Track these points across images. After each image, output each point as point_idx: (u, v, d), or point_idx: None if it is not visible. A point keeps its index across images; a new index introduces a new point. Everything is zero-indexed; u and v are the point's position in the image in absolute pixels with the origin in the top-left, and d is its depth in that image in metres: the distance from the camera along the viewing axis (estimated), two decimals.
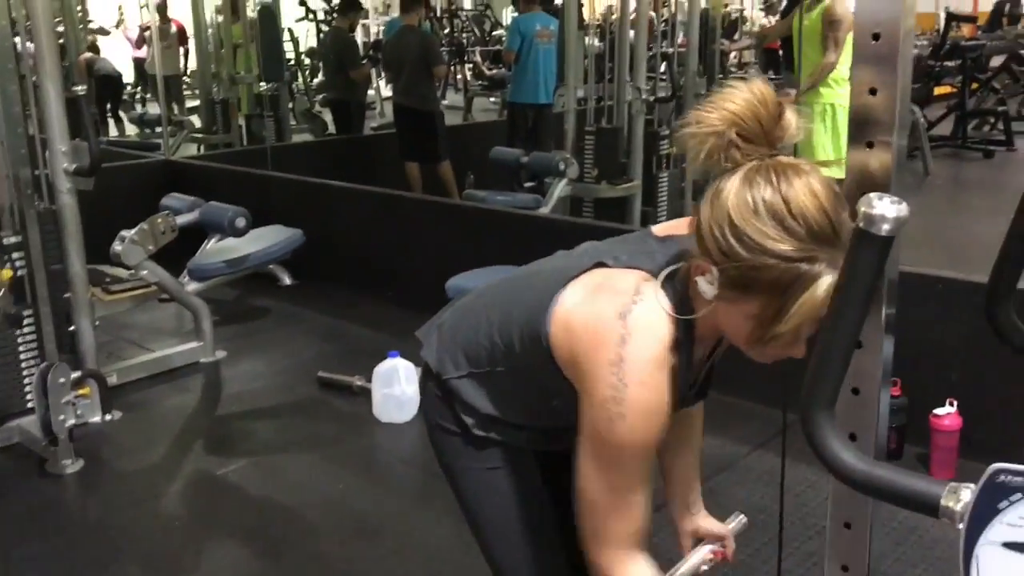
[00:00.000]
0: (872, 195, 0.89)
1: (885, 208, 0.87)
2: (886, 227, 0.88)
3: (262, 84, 8.50)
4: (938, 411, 2.91)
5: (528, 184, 5.83)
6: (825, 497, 1.28)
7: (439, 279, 3.63)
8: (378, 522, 2.87)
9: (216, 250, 4.20)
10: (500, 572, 1.50)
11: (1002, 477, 0.80)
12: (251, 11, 8.75)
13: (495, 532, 1.48)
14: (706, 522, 1.62)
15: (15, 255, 3.24)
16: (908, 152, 8.32)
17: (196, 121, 8.94)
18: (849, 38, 5.28)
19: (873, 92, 1.08)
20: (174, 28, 10.56)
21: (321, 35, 10.85)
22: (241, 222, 4.05)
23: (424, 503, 2.94)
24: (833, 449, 0.98)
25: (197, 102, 8.79)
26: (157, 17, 9.49)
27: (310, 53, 11.71)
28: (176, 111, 9.74)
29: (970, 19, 9.63)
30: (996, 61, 9.62)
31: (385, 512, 2.93)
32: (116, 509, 2.96)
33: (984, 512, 0.81)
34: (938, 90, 9.49)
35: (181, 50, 11.12)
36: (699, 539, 1.60)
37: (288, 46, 10.31)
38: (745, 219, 1.07)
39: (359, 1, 8.20)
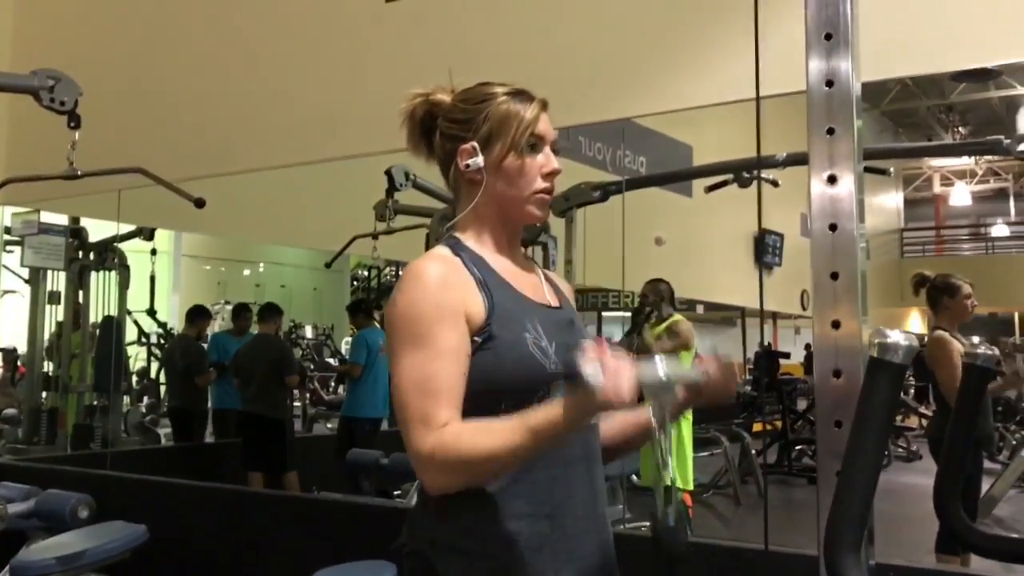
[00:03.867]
0: (882, 328, 0.94)
1: (898, 337, 0.93)
2: (900, 354, 0.93)
3: (94, 395, 8.17)
4: None
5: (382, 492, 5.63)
6: None
7: None
8: None
9: (45, 547, 3.74)
10: None
11: None
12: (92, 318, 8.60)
13: None
14: None
15: None
16: (741, 478, 8.76)
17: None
18: (686, 355, 5.73)
19: (836, 325, 1.15)
20: None
21: (152, 356, 10.68)
22: (84, 512, 3.68)
23: None
24: None
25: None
26: None
27: (140, 373, 11.50)
28: None
29: (784, 355, 10.65)
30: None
31: None
32: None
33: None
34: (756, 426, 10.18)
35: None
36: None
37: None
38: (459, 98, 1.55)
39: (208, 310, 8.24)
